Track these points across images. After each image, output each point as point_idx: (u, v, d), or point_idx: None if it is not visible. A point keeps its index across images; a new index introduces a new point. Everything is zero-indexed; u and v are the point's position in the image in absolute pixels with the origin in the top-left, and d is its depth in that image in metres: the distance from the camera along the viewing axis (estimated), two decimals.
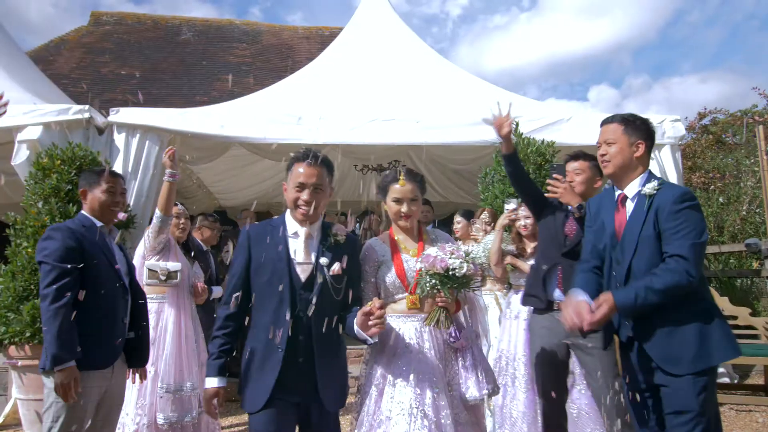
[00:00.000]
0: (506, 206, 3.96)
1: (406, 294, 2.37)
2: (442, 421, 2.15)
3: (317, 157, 2.27)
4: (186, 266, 3.74)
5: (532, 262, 3.59)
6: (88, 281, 2.47)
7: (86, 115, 4.84)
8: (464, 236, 4.77)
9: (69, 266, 2.42)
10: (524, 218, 3.76)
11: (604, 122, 2.45)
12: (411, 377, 2.21)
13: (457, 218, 4.85)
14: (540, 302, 3.11)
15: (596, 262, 2.45)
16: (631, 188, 2.34)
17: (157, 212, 3.52)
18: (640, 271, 2.22)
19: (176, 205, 3.87)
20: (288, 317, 2.16)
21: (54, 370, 2.32)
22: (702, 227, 2.18)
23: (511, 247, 3.89)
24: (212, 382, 2.20)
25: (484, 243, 4.13)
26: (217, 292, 4.30)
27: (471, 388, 2.30)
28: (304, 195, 2.24)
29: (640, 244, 2.23)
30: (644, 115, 2.49)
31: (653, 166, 4.46)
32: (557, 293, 3.04)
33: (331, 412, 2.26)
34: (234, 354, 2.29)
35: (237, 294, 2.23)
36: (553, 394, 3.05)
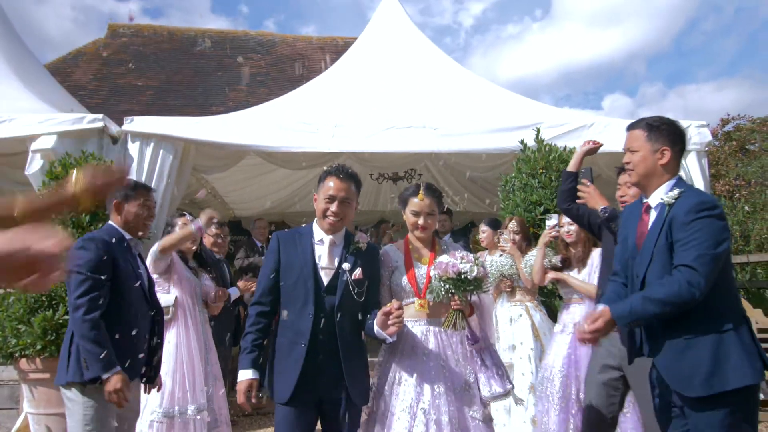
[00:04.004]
0: (548, 222, 3.79)
1: (416, 299, 2.52)
2: (442, 417, 2.29)
3: (348, 172, 2.47)
4: (191, 282, 3.58)
5: (575, 271, 3.56)
6: (115, 295, 2.45)
7: (100, 124, 4.79)
8: (490, 245, 4.61)
9: (102, 277, 2.40)
10: (567, 224, 3.63)
11: (629, 127, 2.30)
12: (414, 377, 2.39)
13: (483, 227, 4.71)
14: None
15: (624, 278, 2.31)
16: (655, 197, 2.19)
17: (156, 249, 3.30)
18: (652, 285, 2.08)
19: (184, 215, 3.75)
20: (311, 316, 2.34)
21: (103, 378, 2.32)
22: (719, 238, 2.00)
23: (556, 258, 3.73)
24: (246, 374, 2.31)
25: (525, 259, 3.98)
26: (234, 293, 4.16)
27: (488, 386, 2.45)
28: (333, 207, 2.43)
29: (655, 255, 2.08)
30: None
31: None
32: None
33: (356, 407, 2.41)
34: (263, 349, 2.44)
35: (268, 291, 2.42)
36: (597, 417, 2.91)
